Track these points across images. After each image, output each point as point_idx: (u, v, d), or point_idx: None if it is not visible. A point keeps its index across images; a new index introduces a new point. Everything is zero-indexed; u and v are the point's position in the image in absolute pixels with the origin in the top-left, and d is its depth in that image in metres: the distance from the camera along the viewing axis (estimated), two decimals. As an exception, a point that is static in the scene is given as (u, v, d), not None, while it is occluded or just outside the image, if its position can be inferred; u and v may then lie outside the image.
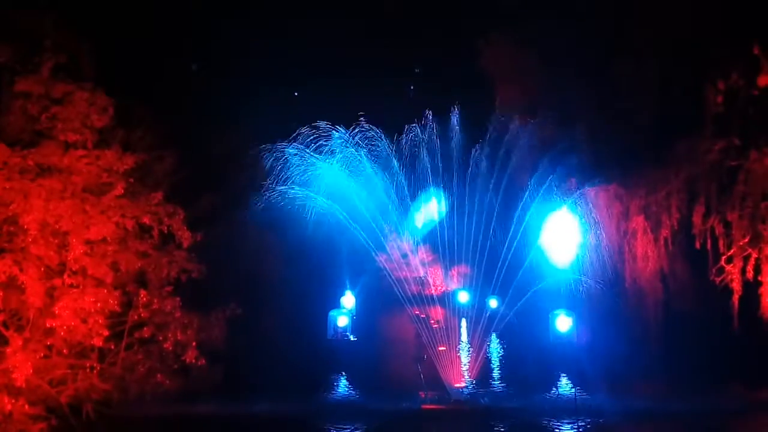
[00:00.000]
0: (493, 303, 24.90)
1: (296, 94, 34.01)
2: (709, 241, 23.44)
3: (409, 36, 34.72)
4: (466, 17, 33.33)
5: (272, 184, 25.07)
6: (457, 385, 20.68)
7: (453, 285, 25.80)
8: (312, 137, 24.48)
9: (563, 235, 24.09)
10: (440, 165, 23.71)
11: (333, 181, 23.91)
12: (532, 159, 23.58)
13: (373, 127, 23.71)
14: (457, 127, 23.68)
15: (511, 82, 27.00)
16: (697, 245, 23.65)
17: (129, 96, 20.11)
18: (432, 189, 24.59)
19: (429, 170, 23.76)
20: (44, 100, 18.47)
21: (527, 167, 23.81)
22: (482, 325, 21.85)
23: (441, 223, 23.00)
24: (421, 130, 23.82)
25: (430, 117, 23.76)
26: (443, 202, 24.43)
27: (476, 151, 23.41)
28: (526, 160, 23.72)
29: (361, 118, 23.71)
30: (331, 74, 34.14)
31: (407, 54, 34.82)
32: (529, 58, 28.17)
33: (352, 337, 28.96)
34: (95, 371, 18.80)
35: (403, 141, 23.92)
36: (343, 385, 23.76)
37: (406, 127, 24.04)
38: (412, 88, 37.33)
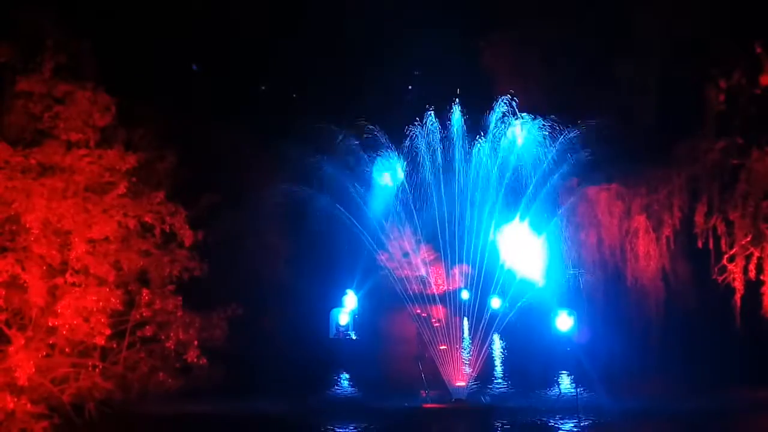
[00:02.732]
0: (495, 302, 24.89)
1: (294, 95, 33.99)
2: (711, 240, 23.48)
3: (410, 36, 34.74)
4: (467, 17, 33.36)
5: (274, 182, 25.09)
6: (458, 383, 20.66)
7: (454, 284, 25.79)
8: (313, 136, 24.49)
9: (524, 250, 24.14)
10: (440, 164, 23.70)
11: (334, 179, 23.90)
12: (534, 159, 23.58)
13: (374, 126, 23.69)
14: (457, 128, 23.67)
15: (512, 82, 27.02)
16: (699, 244, 23.70)
17: (131, 95, 20.09)
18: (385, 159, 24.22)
19: (429, 170, 23.75)
20: (46, 100, 18.42)
21: (528, 167, 23.81)
22: (483, 324, 21.84)
23: (441, 220, 22.98)
24: (421, 130, 23.82)
25: (431, 117, 23.74)
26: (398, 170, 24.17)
27: (476, 150, 23.40)
28: (527, 160, 23.71)
29: (362, 118, 23.68)
30: (332, 73, 34.19)
31: (407, 53, 34.84)
32: (530, 57, 28.24)
33: (353, 336, 29.00)
34: (97, 370, 18.80)
35: (404, 140, 23.88)
36: (344, 384, 23.80)
37: (407, 126, 24.02)
38: (410, 87, 37.33)
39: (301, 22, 34.48)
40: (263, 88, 34.72)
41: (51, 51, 18.64)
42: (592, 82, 26.81)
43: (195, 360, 19.31)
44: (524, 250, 24.09)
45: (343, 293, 29.95)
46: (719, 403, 19.57)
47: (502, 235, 23.53)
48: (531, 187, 23.27)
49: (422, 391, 20.70)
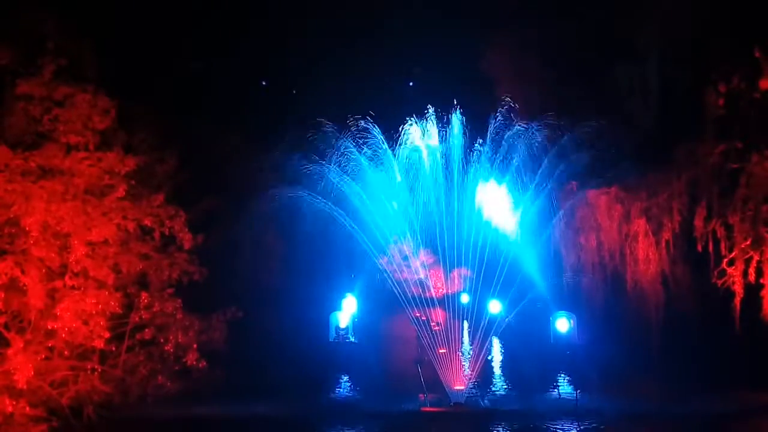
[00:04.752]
0: (495, 305, 24.84)
1: (294, 92, 33.99)
2: (710, 244, 23.48)
3: (410, 37, 34.75)
4: (467, 18, 33.37)
5: (273, 186, 25.08)
6: (457, 387, 20.62)
7: (454, 287, 25.79)
8: (313, 138, 24.47)
9: (499, 205, 24.13)
10: (440, 166, 23.72)
11: (334, 182, 23.90)
12: (533, 161, 23.61)
13: (373, 126, 23.68)
14: (456, 129, 23.69)
15: (512, 84, 27.05)
16: (699, 248, 23.69)
17: (131, 98, 20.14)
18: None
19: (428, 171, 23.77)
20: (46, 102, 18.50)
21: (528, 170, 23.85)
22: (482, 327, 21.84)
23: (440, 224, 23.02)
24: (421, 131, 23.85)
25: (430, 117, 23.76)
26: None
27: (476, 153, 23.42)
28: (527, 163, 23.76)
29: (362, 118, 23.66)
30: (332, 74, 34.17)
31: (408, 54, 34.83)
32: (530, 60, 28.28)
33: (353, 339, 28.96)
34: (96, 373, 18.78)
35: (402, 140, 23.89)
36: (343, 388, 23.76)
37: (406, 123, 24.01)
38: (411, 84, 37.25)
39: (302, 23, 34.49)
40: (263, 83, 34.66)
41: (51, 54, 18.71)
42: (592, 85, 26.86)
43: (194, 363, 19.32)
44: (503, 209, 24.14)
45: (343, 296, 29.90)
46: (719, 406, 19.53)
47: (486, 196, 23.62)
48: (530, 190, 23.30)
49: (421, 395, 20.66)
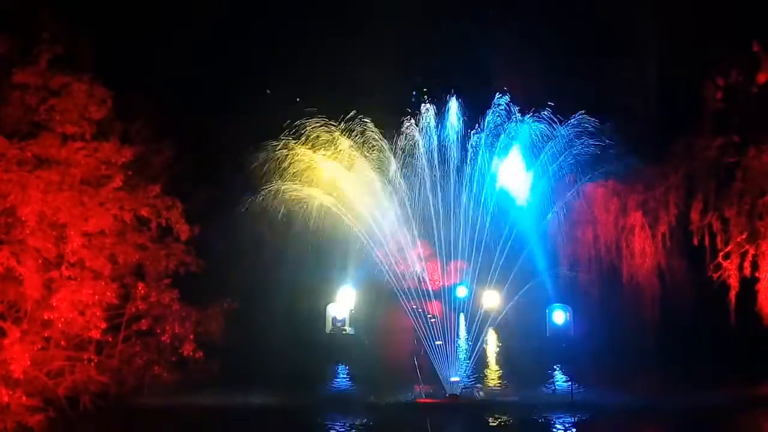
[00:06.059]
0: (491, 298, 24.86)
1: (298, 99, 33.70)
2: (706, 238, 23.55)
3: (409, 32, 34.58)
4: (467, 12, 33.24)
5: (270, 178, 25.05)
6: (453, 379, 20.71)
7: (450, 280, 25.84)
8: (311, 132, 24.41)
9: (515, 170, 24.22)
10: (436, 160, 23.71)
11: (331, 175, 23.88)
12: (531, 154, 23.60)
13: (371, 121, 23.64)
14: (454, 122, 23.65)
15: (511, 77, 26.99)
16: (695, 241, 23.78)
17: (127, 88, 20.06)
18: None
19: (425, 164, 23.74)
20: (42, 92, 18.40)
21: (525, 162, 23.85)
22: (478, 319, 21.90)
23: (437, 216, 23.04)
24: (418, 125, 23.82)
25: (427, 111, 23.71)
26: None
27: (473, 144, 23.39)
28: (525, 155, 23.75)
29: (359, 112, 23.62)
30: (331, 72, 34.03)
31: (407, 51, 34.67)
32: (529, 53, 28.24)
33: (349, 331, 29.06)
34: (93, 363, 18.80)
35: (400, 136, 23.87)
36: (339, 379, 23.85)
37: (403, 116, 23.99)
38: (414, 93, 37.00)
39: (302, 19, 34.31)
40: (268, 91, 34.50)
41: (47, 43, 18.58)
42: (590, 77, 26.85)
43: (191, 353, 19.38)
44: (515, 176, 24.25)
45: (340, 288, 29.97)
46: (713, 399, 19.63)
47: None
48: (526, 183, 23.29)
49: (416, 386, 20.72)
